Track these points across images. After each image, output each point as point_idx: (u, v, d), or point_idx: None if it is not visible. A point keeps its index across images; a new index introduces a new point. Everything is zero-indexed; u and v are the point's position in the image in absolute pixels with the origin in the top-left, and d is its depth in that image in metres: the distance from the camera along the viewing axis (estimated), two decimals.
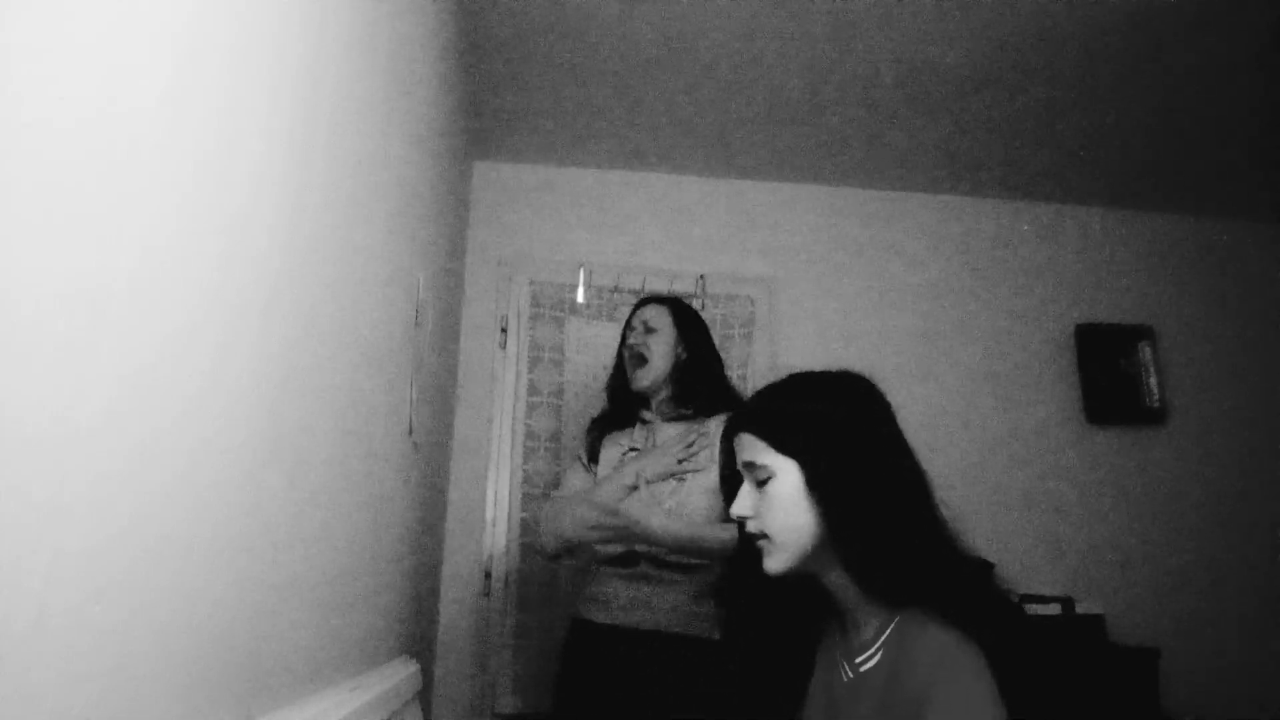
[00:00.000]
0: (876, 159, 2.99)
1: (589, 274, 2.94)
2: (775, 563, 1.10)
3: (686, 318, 2.13)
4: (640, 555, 1.90)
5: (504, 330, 2.90)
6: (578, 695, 1.90)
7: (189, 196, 0.58)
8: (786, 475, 1.09)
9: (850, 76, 2.51)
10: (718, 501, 1.92)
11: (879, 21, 2.26)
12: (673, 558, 1.90)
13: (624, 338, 2.14)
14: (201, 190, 0.60)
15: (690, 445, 1.95)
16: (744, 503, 1.12)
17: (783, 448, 1.09)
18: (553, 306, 2.93)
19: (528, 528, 2.75)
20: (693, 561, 1.90)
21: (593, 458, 2.08)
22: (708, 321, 2.92)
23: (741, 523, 1.15)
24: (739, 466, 1.15)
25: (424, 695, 1.91)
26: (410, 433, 1.63)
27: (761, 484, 1.11)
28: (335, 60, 0.96)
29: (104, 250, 0.47)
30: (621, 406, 2.12)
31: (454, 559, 2.71)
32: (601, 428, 2.12)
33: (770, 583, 1.13)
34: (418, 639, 2.04)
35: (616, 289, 2.91)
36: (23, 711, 0.40)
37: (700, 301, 2.95)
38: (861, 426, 1.11)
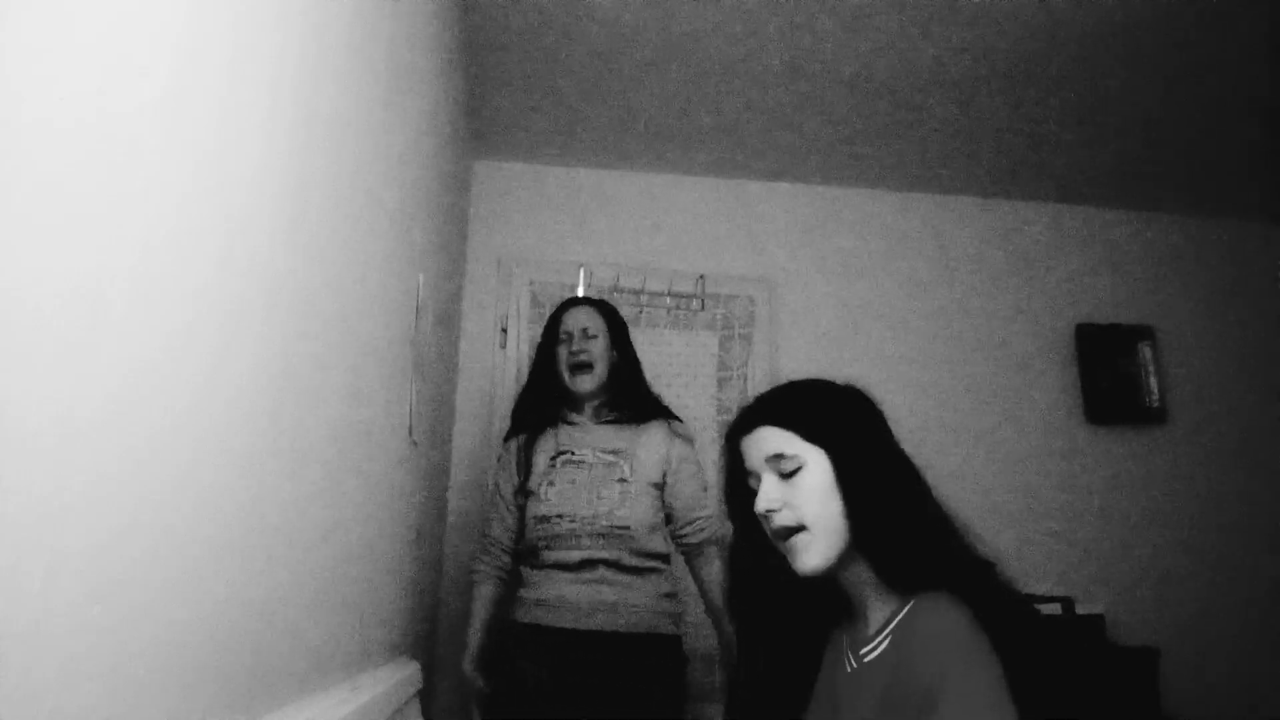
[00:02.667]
0: (877, 159, 2.99)
1: (589, 274, 2.94)
2: (813, 556, 1.07)
3: (616, 320, 2.17)
4: (599, 561, 1.93)
5: (504, 330, 2.90)
6: (540, 701, 1.87)
7: (189, 196, 0.58)
8: (817, 464, 1.08)
9: (850, 77, 2.51)
10: (655, 502, 1.99)
11: (879, 21, 2.26)
12: (631, 561, 1.94)
13: (554, 339, 2.13)
14: (201, 190, 0.60)
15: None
16: (772, 495, 1.09)
17: (811, 436, 1.09)
18: (553, 306, 2.92)
19: None
20: (649, 565, 1.96)
21: (526, 472, 2.06)
22: (708, 321, 2.95)
23: (764, 519, 1.12)
24: (760, 462, 1.11)
25: (424, 695, 1.91)
26: (410, 433, 1.63)
27: (789, 475, 1.08)
28: (335, 60, 0.96)
29: (104, 250, 0.47)
30: (544, 410, 2.12)
31: (454, 559, 2.71)
32: (528, 440, 2.10)
33: (781, 590, 1.13)
34: (418, 639, 2.04)
35: (616, 289, 2.91)
36: (23, 711, 0.40)
37: (700, 301, 2.95)
38: (870, 420, 1.14)
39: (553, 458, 2.03)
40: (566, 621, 1.91)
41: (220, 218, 0.64)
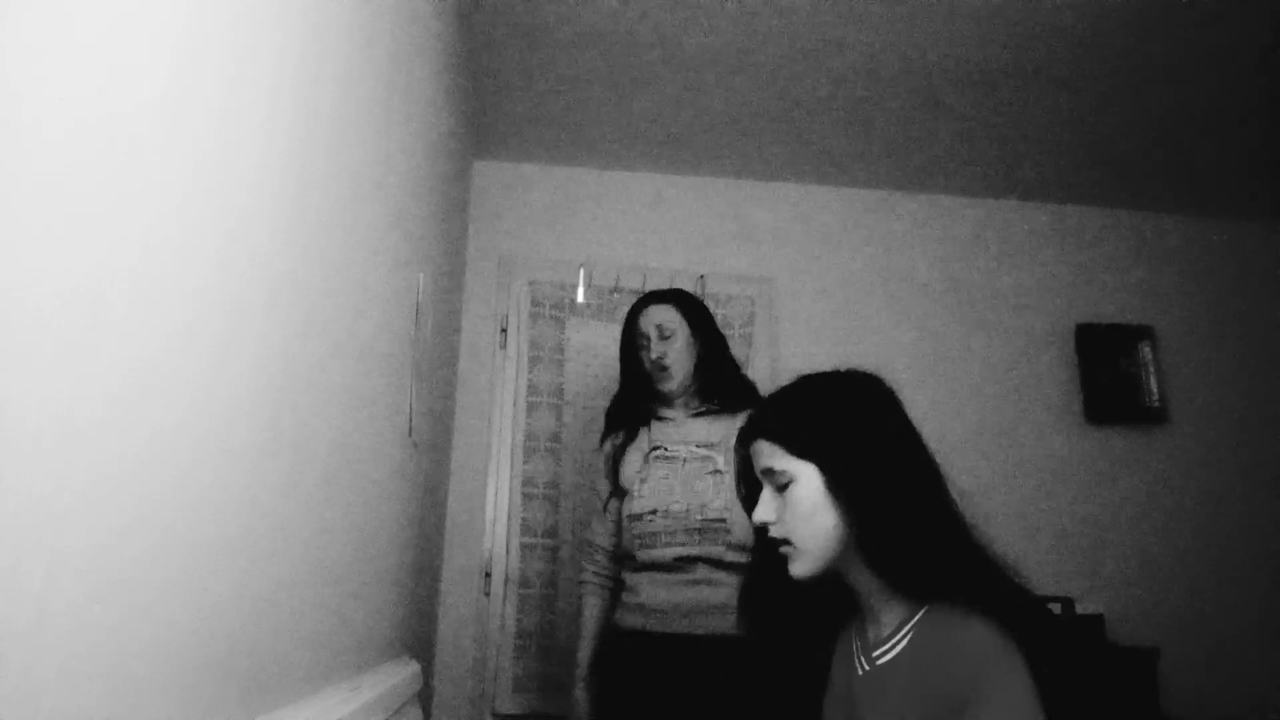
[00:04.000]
0: (876, 159, 2.99)
1: (589, 274, 2.94)
2: (801, 567, 1.09)
3: (695, 311, 2.09)
4: (696, 559, 1.86)
5: (504, 330, 2.90)
6: (639, 707, 1.83)
7: (189, 196, 0.58)
8: (807, 478, 1.08)
9: (851, 77, 2.51)
10: None
11: (880, 22, 2.26)
12: (730, 557, 1.85)
13: (633, 342, 2.07)
14: (202, 190, 0.60)
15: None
16: (766, 509, 1.11)
17: (799, 451, 1.09)
18: (553, 306, 2.93)
19: (528, 527, 2.76)
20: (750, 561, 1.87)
21: (615, 482, 2.02)
22: None
23: (763, 529, 1.13)
24: (758, 473, 1.14)
25: (424, 695, 1.91)
26: (410, 433, 1.63)
27: (782, 489, 1.10)
28: (335, 60, 0.96)
29: (104, 250, 0.47)
30: (634, 410, 2.07)
31: (454, 559, 2.71)
32: (619, 446, 2.05)
33: (793, 585, 1.12)
34: (418, 639, 2.04)
35: (616, 289, 2.91)
36: (23, 711, 0.40)
37: None
38: (873, 421, 1.11)
39: (646, 455, 1.98)
40: (672, 626, 1.84)
41: (220, 218, 0.64)
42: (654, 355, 2.01)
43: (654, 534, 1.90)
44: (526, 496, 2.77)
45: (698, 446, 1.95)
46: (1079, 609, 2.65)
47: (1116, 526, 2.97)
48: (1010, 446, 3.01)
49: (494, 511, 2.78)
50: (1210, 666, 2.83)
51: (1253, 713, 2.78)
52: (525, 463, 2.80)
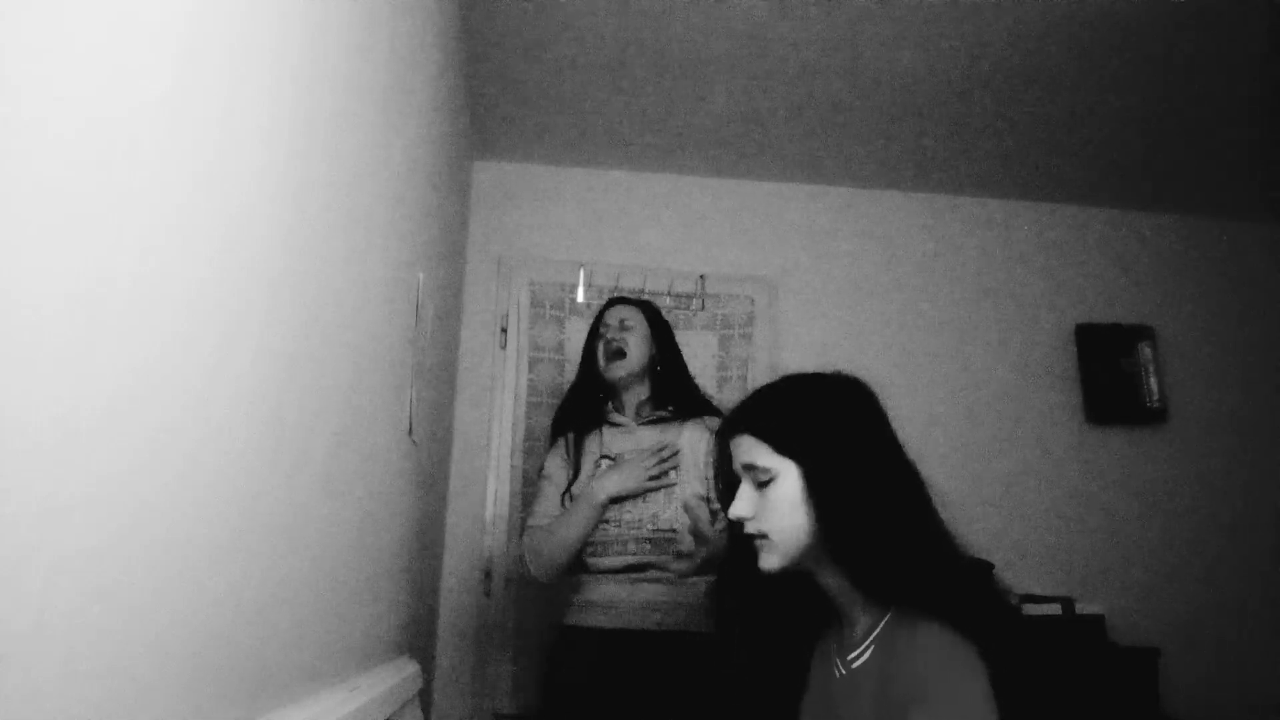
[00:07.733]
0: (877, 159, 2.99)
1: (589, 274, 2.94)
2: (771, 561, 1.11)
3: (658, 320, 2.16)
4: (647, 565, 1.90)
5: (504, 330, 2.90)
6: (588, 702, 1.86)
7: (189, 197, 0.58)
8: (787, 477, 1.09)
9: (850, 77, 2.51)
10: (704, 502, 1.93)
11: (879, 22, 2.26)
12: (677, 565, 1.88)
13: (595, 334, 2.12)
14: (201, 190, 0.60)
15: (664, 461, 1.94)
16: (743, 504, 1.12)
17: (784, 449, 1.10)
18: (553, 306, 2.93)
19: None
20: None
21: (576, 465, 2.03)
22: (708, 321, 2.95)
23: (738, 523, 1.14)
24: (736, 467, 1.15)
25: (424, 695, 1.91)
26: (410, 432, 1.63)
27: (762, 485, 1.11)
28: (336, 60, 0.96)
29: (104, 250, 0.47)
30: (587, 409, 2.09)
31: (454, 559, 2.71)
32: (578, 432, 2.07)
33: (766, 580, 1.13)
34: (418, 639, 2.04)
35: (616, 289, 2.91)
36: (23, 711, 0.40)
37: (700, 301, 2.95)
38: (857, 428, 1.12)
39: (597, 461, 2.01)
40: (613, 622, 1.89)
41: (220, 218, 0.64)
42: (610, 337, 2.06)
43: (605, 543, 1.93)
44: (526, 496, 2.77)
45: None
46: (1079, 609, 2.65)
47: (1116, 526, 2.97)
48: (1010, 446, 3.01)
49: (494, 511, 2.78)
50: (1210, 666, 2.83)
51: (1253, 713, 2.78)
52: (525, 462, 2.80)
